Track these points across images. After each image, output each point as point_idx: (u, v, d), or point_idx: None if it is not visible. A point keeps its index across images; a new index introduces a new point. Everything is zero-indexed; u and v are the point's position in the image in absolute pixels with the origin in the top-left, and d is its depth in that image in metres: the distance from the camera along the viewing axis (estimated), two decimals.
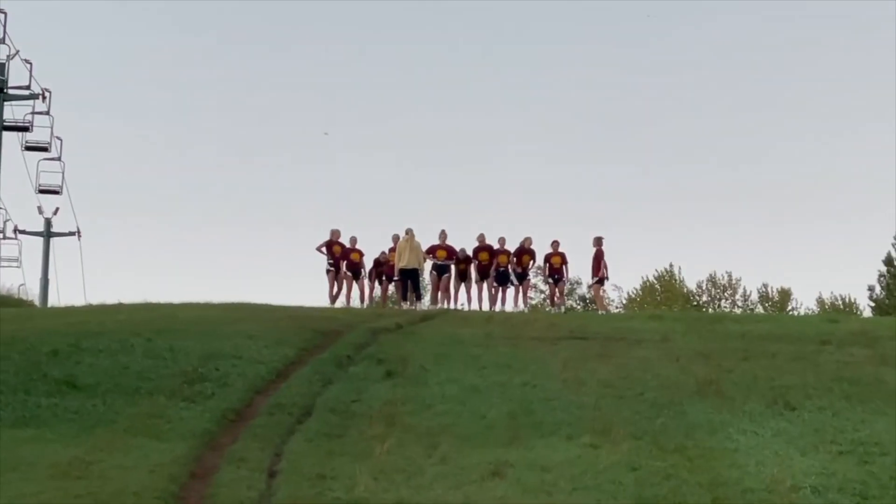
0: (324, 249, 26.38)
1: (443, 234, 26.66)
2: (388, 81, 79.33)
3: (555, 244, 26.78)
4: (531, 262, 27.27)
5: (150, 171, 79.91)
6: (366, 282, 26.75)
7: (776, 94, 79.54)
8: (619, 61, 79.87)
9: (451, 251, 26.48)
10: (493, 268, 26.36)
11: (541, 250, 26.93)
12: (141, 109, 79.60)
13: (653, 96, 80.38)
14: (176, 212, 79.08)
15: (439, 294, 26.67)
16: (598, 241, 26.30)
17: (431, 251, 26.39)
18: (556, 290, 27.59)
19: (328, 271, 26.25)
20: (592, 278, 26.84)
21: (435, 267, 26.46)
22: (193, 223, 79.05)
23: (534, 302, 49.23)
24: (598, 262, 26.27)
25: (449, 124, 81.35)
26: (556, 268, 26.82)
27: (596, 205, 79.41)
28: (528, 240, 26.79)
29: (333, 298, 26.17)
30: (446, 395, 13.12)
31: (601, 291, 28.49)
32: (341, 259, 26.26)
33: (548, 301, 37.16)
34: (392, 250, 26.44)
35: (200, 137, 79.46)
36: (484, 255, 26.50)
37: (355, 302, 26.46)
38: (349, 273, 26.44)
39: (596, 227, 73.93)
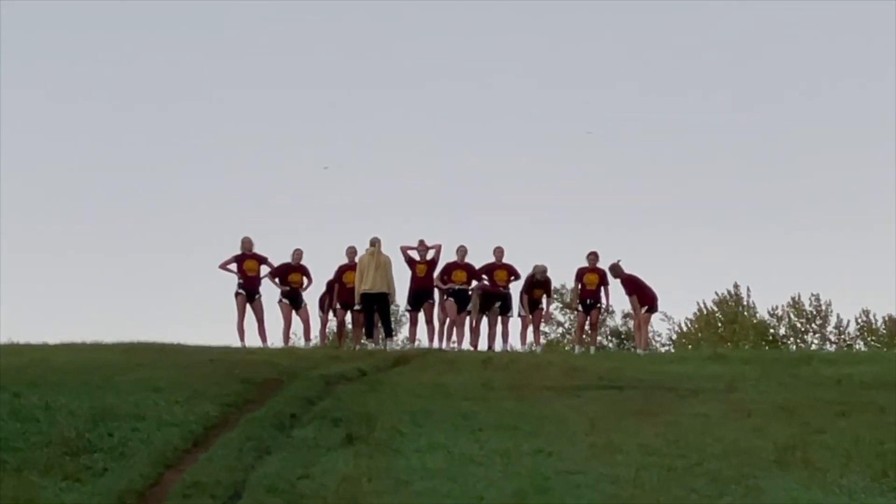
0: (232, 266, 26.34)
1: (462, 250, 26.84)
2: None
3: (592, 258, 26.68)
4: (543, 297, 27.28)
5: (10, 170, 79.80)
6: (310, 311, 26.80)
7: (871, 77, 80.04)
8: (673, 41, 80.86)
9: (472, 271, 26.54)
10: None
11: (563, 267, 27.09)
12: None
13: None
14: (49, 222, 78.86)
15: (447, 330, 26.76)
16: (617, 270, 26.28)
17: (445, 272, 26.60)
18: (589, 319, 27.58)
19: (237, 295, 26.29)
20: (639, 304, 26.65)
21: (451, 294, 26.54)
22: (75, 237, 78.99)
23: (550, 338, 49.34)
24: (639, 287, 26.30)
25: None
26: (591, 290, 26.77)
27: (634, 210, 79.61)
28: (540, 269, 26.82)
29: (242, 330, 26.20)
30: (428, 467, 13.06)
31: (649, 324, 28.40)
32: (275, 278, 26.27)
33: (570, 337, 37.19)
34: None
35: (81, 128, 79.70)
36: (502, 274, 26.66)
37: (299, 340, 26.51)
38: (286, 301, 26.43)
39: (634, 238, 73.60)
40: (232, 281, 26.41)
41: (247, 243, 26.48)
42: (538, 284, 26.91)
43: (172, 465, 13.17)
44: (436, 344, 26.58)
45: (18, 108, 78.30)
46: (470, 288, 26.48)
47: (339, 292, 26.58)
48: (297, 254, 26.73)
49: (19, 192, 79.47)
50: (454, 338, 26.74)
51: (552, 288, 28.33)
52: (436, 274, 26.63)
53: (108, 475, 12.52)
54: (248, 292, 26.23)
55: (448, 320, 26.69)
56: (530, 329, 27.17)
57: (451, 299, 26.48)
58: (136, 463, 13.01)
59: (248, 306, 26.19)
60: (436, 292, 26.82)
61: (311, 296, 27.12)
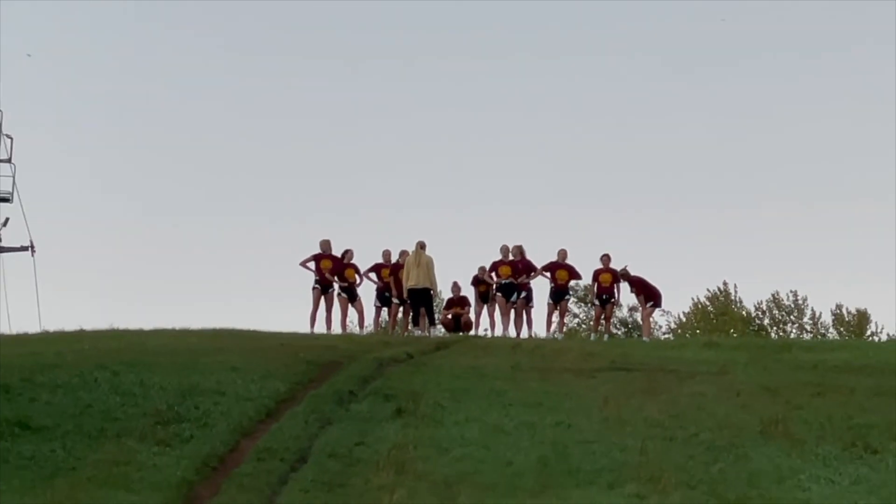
0: (310, 265, 26.36)
1: (506, 249, 26.88)
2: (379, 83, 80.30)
3: (605, 259, 26.79)
4: (569, 279, 27.27)
5: (114, 178, 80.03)
6: (364, 303, 26.79)
7: (849, 83, 79.09)
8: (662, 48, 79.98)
9: (516, 267, 26.58)
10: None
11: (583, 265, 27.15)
12: (102, 111, 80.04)
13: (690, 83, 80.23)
14: (144, 224, 79.12)
15: (497, 321, 26.98)
16: (626, 275, 26.42)
17: (493, 269, 26.71)
18: (604, 313, 27.67)
19: (314, 289, 26.28)
20: (645, 301, 26.86)
21: (499, 288, 26.57)
22: (165, 237, 79.16)
23: (568, 326, 49.17)
24: (645, 287, 26.41)
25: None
26: (605, 287, 26.89)
27: (630, 213, 79.13)
28: (563, 252, 26.85)
29: (314, 319, 26.20)
30: (466, 437, 13.11)
31: (652, 316, 28.60)
32: (334, 275, 26.24)
33: (585, 326, 37.14)
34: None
35: (172, 140, 79.81)
36: (562, 274, 26.75)
37: (354, 328, 26.51)
38: (343, 294, 26.43)
39: (632, 240, 73.17)
40: (306, 277, 26.53)
41: (324, 245, 26.58)
42: (561, 266, 26.88)
43: (248, 434, 13.23)
44: (472, 332, 26.67)
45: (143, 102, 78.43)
46: (516, 281, 26.48)
47: (395, 287, 26.50)
48: (347, 254, 26.73)
49: (125, 196, 79.95)
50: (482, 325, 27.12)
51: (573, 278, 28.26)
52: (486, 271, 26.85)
53: (193, 442, 12.62)
54: (324, 287, 26.28)
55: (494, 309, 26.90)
56: (555, 316, 27.24)
57: (500, 293, 26.60)
58: (218, 432, 13.09)
59: (322, 299, 26.29)
60: (471, 292, 27.07)
61: (363, 290, 27.17)
